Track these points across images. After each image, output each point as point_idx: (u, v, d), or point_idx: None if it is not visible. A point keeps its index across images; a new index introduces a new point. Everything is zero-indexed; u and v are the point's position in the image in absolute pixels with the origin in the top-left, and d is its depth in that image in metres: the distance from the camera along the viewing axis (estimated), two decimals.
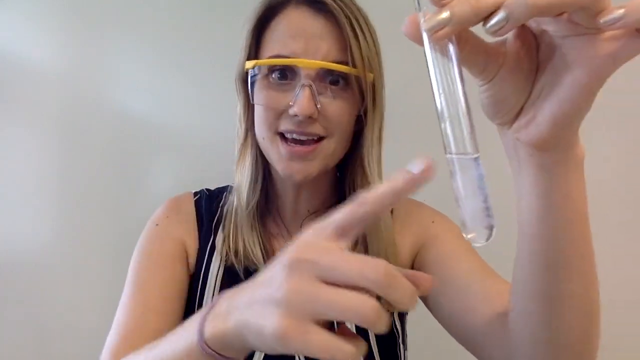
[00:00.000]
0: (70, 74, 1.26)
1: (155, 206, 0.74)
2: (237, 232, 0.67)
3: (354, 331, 0.36)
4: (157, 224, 0.70)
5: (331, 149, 0.63)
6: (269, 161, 0.65)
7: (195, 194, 0.75)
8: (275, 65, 0.61)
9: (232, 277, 0.67)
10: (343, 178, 0.71)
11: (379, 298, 0.30)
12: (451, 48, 0.30)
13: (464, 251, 0.63)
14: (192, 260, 0.69)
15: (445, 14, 0.28)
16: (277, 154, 0.62)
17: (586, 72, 0.30)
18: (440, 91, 0.31)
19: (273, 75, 0.61)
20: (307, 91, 0.58)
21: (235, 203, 0.69)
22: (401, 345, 0.69)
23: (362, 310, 0.29)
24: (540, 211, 0.38)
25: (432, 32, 0.29)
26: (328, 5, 0.59)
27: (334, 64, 0.59)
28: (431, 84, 0.31)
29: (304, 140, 0.61)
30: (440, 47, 0.30)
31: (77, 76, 1.26)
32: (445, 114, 0.31)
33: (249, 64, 0.62)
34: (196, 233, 0.70)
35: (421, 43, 0.31)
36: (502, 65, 0.33)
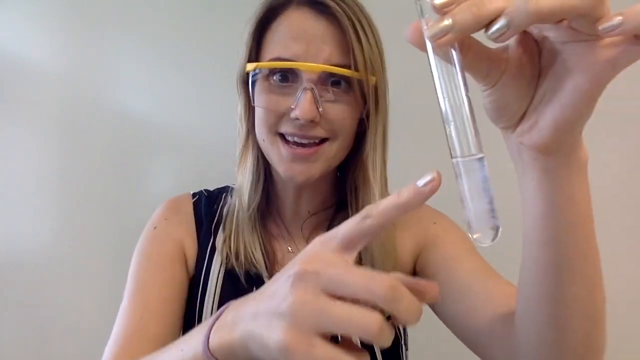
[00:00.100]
0: (70, 74, 1.25)
1: (155, 206, 0.74)
2: (238, 234, 0.67)
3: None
4: (155, 226, 0.70)
5: (333, 151, 0.62)
6: (270, 162, 0.65)
7: (194, 195, 0.75)
8: (276, 68, 0.60)
9: (232, 281, 0.67)
10: (344, 179, 0.70)
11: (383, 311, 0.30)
12: (454, 54, 0.31)
13: (466, 252, 0.64)
14: (192, 261, 0.69)
15: (447, 22, 0.28)
16: (277, 156, 0.62)
17: (587, 78, 0.31)
18: (445, 96, 0.31)
19: (274, 78, 0.61)
20: (308, 95, 0.58)
21: (236, 204, 0.69)
22: (403, 347, 0.69)
23: (366, 324, 0.30)
24: (544, 214, 0.38)
25: (434, 39, 0.29)
26: (330, 8, 0.58)
27: (336, 68, 0.58)
28: (435, 89, 0.32)
29: (306, 143, 0.60)
30: (443, 53, 0.31)
31: (77, 76, 1.25)
32: (450, 118, 0.31)
33: (250, 67, 0.62)
34: (195, 234, 0.70)
35: (424, 49, 0.31)
36: (504, 71, 0.33)
